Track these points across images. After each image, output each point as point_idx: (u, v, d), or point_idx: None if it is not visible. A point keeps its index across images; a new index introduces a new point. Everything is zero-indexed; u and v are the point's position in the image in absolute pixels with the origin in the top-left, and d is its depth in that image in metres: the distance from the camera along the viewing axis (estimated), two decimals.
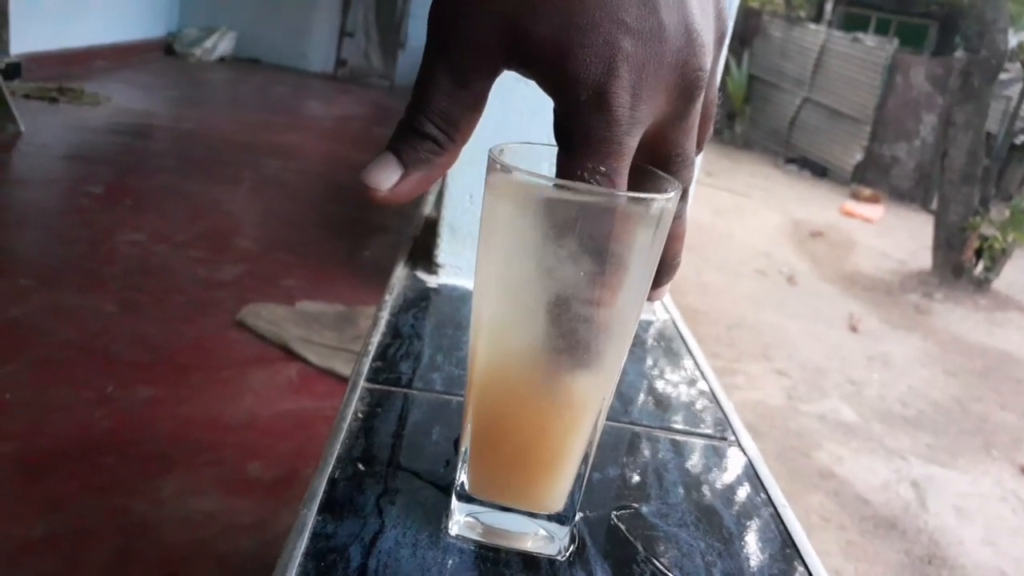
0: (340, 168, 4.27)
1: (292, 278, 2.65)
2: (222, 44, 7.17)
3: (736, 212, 6.16)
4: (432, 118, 0.30)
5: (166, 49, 6.97)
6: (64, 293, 2.27)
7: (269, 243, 2.95)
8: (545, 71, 0.29)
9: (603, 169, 0.29)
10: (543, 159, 0.33)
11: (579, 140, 0.29)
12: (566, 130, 0.29)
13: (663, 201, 0.32)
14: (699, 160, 0.39)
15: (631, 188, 0.31)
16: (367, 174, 0.30)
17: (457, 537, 0.40)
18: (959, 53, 6.95)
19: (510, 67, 0.30)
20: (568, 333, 0.34)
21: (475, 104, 0.31)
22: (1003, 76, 6.03)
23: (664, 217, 0.33)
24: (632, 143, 0.29)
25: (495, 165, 0.33)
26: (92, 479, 1.56)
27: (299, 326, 2.26)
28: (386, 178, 0.30)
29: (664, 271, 0.36)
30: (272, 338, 2.18)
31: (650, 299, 0.37)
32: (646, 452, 0.53)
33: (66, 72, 5.11)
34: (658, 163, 0.33)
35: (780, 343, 3.63)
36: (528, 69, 0.30)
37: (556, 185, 0.30)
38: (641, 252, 0.33)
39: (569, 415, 0.36)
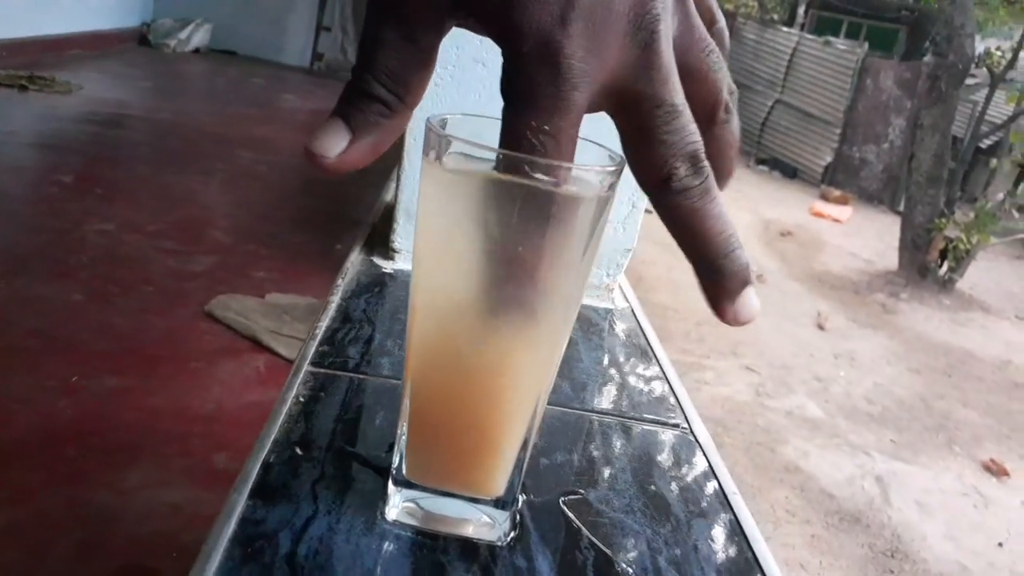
0: None
1: (263, 270, 2.63)
2: (197, 35, 7.08)
3: None
4: (380, 78, 0.28)
5: (140, 39, 6.87)
6: (30, 282, 2.23)
7: (241, 235, 2.92)
8: (490, 21, 0.27)
9: (547, 128, 0.27)
10: (485, 131, 0.32)
11: (523, 95, 0.27)
12: (511, 84, 0.27)
13: (603, 174, 0.31)
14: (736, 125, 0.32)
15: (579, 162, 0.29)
16: (313, 141, 0.28)
17: (394, 523, 0.38)
18: (928, 58, 7.05)
19: (457, 18, 0.28)
20: (504, 308, 0.33)
21: (424, 62, 0.29)
22: (970, 81, 6.12)
23: (606, 192, 0.32)
24: (580, 100, 0.27)
25: (432, 134, 0.32)
26: (55, 470, 1.54)
27: (269, 318, 2.24)
28: (333, 144, 0.28)
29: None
30: (241, 330, 2.17)
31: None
32: (596, 438, 0.52)
33: (37, 60, 5.02)
34: (641, 121, 0.29)
35: (749, 340, 3.66)
36: (474, 19, 0.28)
37: (498, 156, 0.29)
38: (582, 226, 0.32)
39: (506, 395, 0.36)
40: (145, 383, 1.88)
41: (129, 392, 1.83)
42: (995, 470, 2.91)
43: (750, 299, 0.29)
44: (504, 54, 0.27)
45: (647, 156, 0.28)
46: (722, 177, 0.32)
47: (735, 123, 0.31)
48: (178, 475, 1.60)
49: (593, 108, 0.29)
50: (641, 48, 0.28)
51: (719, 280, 0.29)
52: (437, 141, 0.32)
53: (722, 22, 0.33)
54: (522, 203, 0.30)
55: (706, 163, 0.28)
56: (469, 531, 0.38)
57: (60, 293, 2.20)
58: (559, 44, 0.26)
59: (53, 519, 1.42)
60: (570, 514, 0.42)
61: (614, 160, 0.33)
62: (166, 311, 2.23)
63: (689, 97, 0.29)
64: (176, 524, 1.47)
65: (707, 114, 0.31)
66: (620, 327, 0.73)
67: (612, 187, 0.32)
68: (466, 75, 0.69)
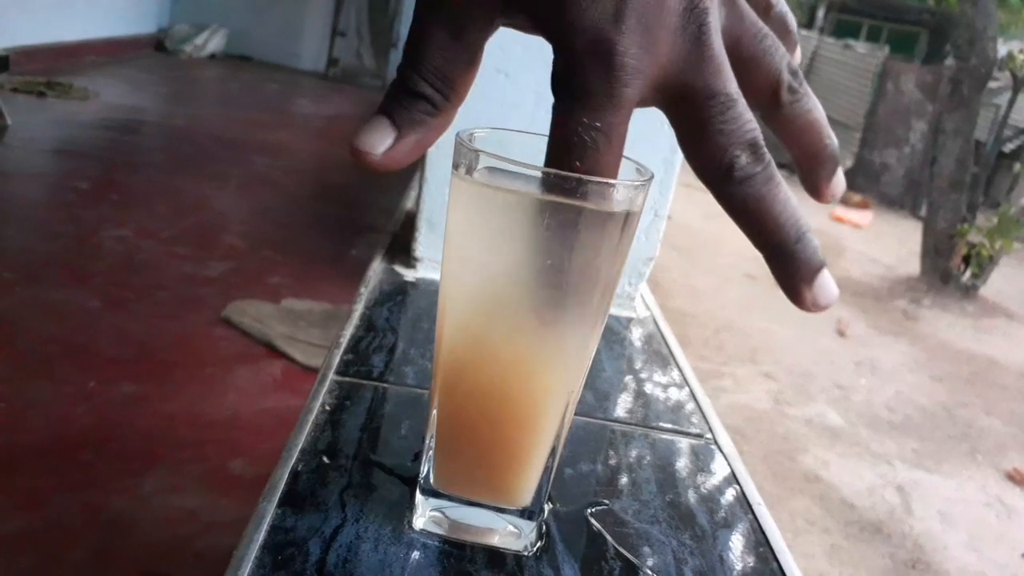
0: (330, 167, 4.25)
1: (278, 276, 2.64)
2: (213, 41, 7.14)
3: (726, 217, 6.14)
4: (426, 76, 0.28)
5: (156, 45, 6.94)
6: (47, 288, 2.25)
7: (256, 240, 2.93)
8: (543, 18, 0.27)
9: (599, 124, 0.27)
10: (513, 145, 0.33)
11: (576, 91, 0.27)
12: (563, 81, 0.27)
13: (631, 188, 0.31)
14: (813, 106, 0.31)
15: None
16: (359, 138, 0.28)
17: (421, 532, 0.39)
18: (949, 61, 6.99)
19: (508, 16, 0.29)
20: (530, 319, 0.33)
21: (471, 60, 0.29)
22: (992, 84, 6.06)
23: (635, 206, 0.32)
24: (632, 96, 0.27)
25: (463, 148, 0.32)
26: (71, 475, 1.54)
27: (284, 324, 2.24)
28: (379, 141, 0.28)
29: (817, 166, 0.31)
30: (257, 335, 2.16)
31: (822, 199, 0.32)
32: (621, 449, 0.52)
33: (55, 66, 5.07)
34: (695, 114, 0.28)
35: (768, 347, 3.63)
36: (525, 16, 0.28)
37: (543, 176, 0.29)
38: (610, 240, 0.32)
39: (534, 405, 0.36)
40: (161, 389, 1.88)
41: (145, 398, 1.83)
42: (1018, 479, 2.87)
43: (827, 282, 0.29)
44: (555, 51, 0.27)
45: (705, 148, 0.28)
46: (822, 162, 0.31)
47: (809, 103, 0.30)
48: (194, 481, 1.60)
49: (644, 103, 0.29)
50: (691, 42, 0.27)
51: (794, 266, 0.28)
52: (467, 155, 0.32)
53: (781, 5, 0.33)
54: (551, 218, 0.30)
55: (766, 150, 0.28)
56: (495, 541, 0.39)
57: (77, 299, 2.21)
58: (613, 41, 0.26)
59: (69, 525, 1.42)
60: (595, 524, 0.43)
61: (643, 174, 0.33)
62: (182, 317, 2.24)
63: (746, 86, 0.28)
64: (192, 530, 1.47)
65: (770, 99, 0.30)
66: (642, 336, 0.72)
67: (641, 201, 0.33)
68: (488, 85, 0.69)
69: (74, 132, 3.97)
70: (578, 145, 0.27)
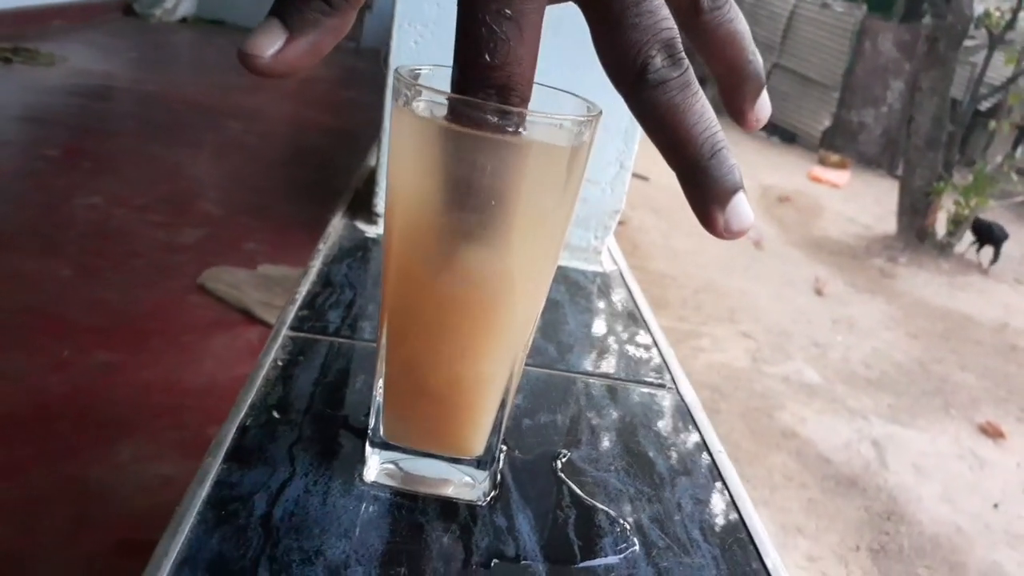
0: (304, 131, 4.19)
1: (254, 241, 2.61)
2: (184, 4, 6.97)
3: None
4: None
5: (125, 9, 6.76)
6: (18, 258, 2.21)
7: (231, 207, 2.89)
8: None
9: (508, 12, 0.25)
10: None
11: None
12: None
13: (576, 123, 0.30)
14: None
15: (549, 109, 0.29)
16: (246, 41, 0.26)
17: (373, 484, 0.38)
18: (926, 19, 6.97)
19: None
20: (474, 260, 0.32)
21: None
22: (969, 43, 6.04)
23: (580, 142, 0.31)
24: None
25: (401, 82, 0.31)
26: (47, 445, 1.53)
27: (260, 290, 2.22)
28: (269, 44, 0.25)
29: (739, 84, 0.29)
30: (233, 302, 2.15)
31: (747, 124, 0.30)
32: (582, 399, 0.51)
33: (21, 32, 4.94)
34: (609, 5, 0.25)
35: (746, 307, 3.65)
36: None
37: (452, 100, 0.27)
38: (555, 177, 0.31)
39: (482, 354, 0.35)
40: (137, 357, 1.86)
41: (121, 367, 1.82)
42: (991, 432, 2.92)
43: (742, 206, 0.26)
44: None
45: (618, 45, 0.25)
46: (744, 79, 0.29)
47: (732, 12, 0.28)
48: (171, 448, 1.60)
49: None
50: None
51: (707, 185, 0.26)
52: (406, 88, 0.31)
53: None
54: (492, 152, 0.29)
55: (684, 56, 0.25)
56: (449, 491, 0.39)
57: (49, 268, 2.18)
58: None
59: (46, 494, 1.42)
60: (553, 473, 0.43)
61: (591, 111, 0.32)
62: (156, 285, 2.21)
63: None
64: (170, 497, 1.45)
65: (689, 5, 0.27)
66: (608, 290, 0.71)
67: (586, 137, 0.31)
68: (447, 33, 0.67)
69: (42, 99, 3.88)
70: (487, 37, 0.25)
